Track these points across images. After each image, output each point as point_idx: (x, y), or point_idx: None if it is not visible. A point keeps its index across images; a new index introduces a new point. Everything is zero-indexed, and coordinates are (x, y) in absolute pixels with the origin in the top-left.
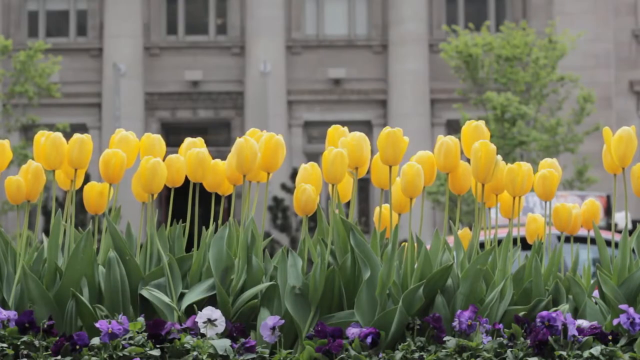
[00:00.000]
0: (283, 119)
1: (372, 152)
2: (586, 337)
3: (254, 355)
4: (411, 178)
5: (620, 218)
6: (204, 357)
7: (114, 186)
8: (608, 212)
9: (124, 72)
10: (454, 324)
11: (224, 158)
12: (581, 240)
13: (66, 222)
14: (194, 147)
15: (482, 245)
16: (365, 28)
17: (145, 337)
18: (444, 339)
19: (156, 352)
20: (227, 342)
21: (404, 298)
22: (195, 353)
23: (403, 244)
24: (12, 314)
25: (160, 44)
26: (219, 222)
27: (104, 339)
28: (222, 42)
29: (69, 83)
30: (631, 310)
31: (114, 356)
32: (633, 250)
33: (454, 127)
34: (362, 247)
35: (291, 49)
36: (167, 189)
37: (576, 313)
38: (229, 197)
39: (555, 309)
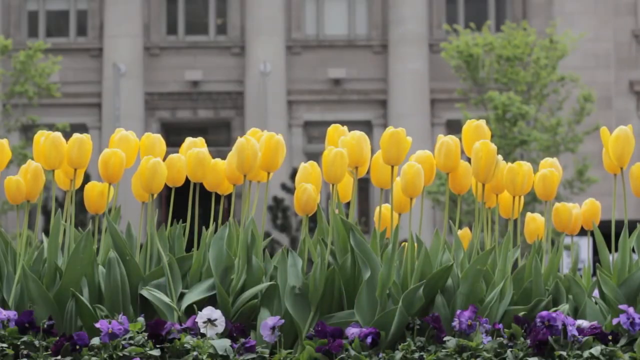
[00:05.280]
0: (283, 119)
1: (372, 152)
2: (586, 337)
3: (254, 355)
4: (411, 178)
5: None
6: (204, 357)
7: (114, 186)
8: None
9: (124, 72)
10: (454, 324)
11: (224, 158)
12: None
13: (66, 222)
14: (195, 147)
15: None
16: (365, 28)
17: (146, 337)
18: (444, 339)
19: (156, 352)
20: (227, 342)
21: (404, 298)
22: (195, 353)
23: (403, 244)
24: (12, 314)
25: (160, 44)
26: (219, 222)
27: (104, 339)
28: (222, 42)
29: (69, 83)
30: (631, 310)
31: (114, 356)
32: (633, 249)
33: (454, 127)
34: (362, 247)
35: (291, 49)
36: (167, 189)
37: (576, 313)
38: (229, 197)
39: (555, 309)
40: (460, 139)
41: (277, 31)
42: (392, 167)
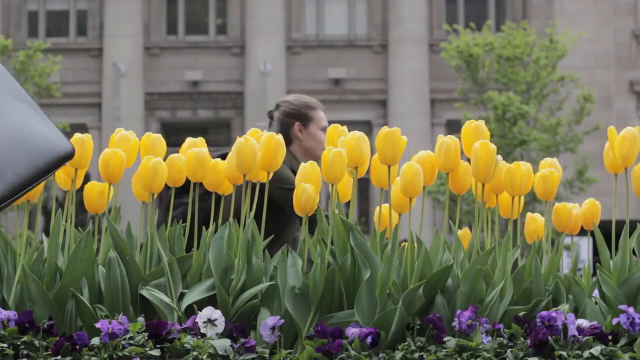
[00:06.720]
0: None
1: (372, 152)
2: (586, 337)
3: (254, 355)
4: (410, 178)
5: None
6: (204, 357)
7: (114, 186)
8: None
9: (124, 72)
10: (454, 324)
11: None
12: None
13: (66, 222)
14: (195, 147)
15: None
16: (365, 28)
17: (146, 337)
18: (444, 339)
19: (156, 352)
20: (227, 342)
21: (404, 298)
22: (195, 353)
23: (403, 243)
24: (12, 314)
25: (160, 44)
26: (219, 222)
27: (104, 339)
28: (222, 42)
29: (69, 83)
30: (631, 310)
31: (114, 356)
32: (633, 250)
33: (454, 127)
34: (362, 247)
35: (291, 49)
36: (167, 189)
37: (576, 313)
38: (229, 197)
39: (555, 309)
40: (460, 139)
41: (277, 31)
42: (389, 167)
